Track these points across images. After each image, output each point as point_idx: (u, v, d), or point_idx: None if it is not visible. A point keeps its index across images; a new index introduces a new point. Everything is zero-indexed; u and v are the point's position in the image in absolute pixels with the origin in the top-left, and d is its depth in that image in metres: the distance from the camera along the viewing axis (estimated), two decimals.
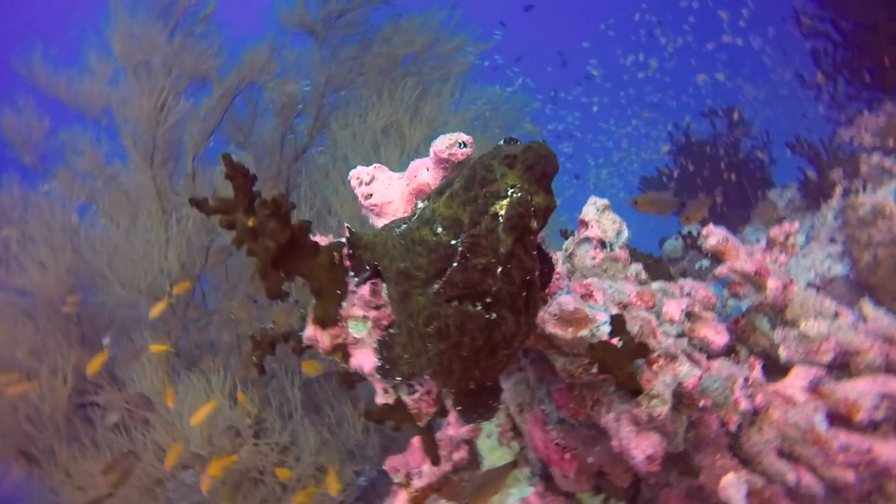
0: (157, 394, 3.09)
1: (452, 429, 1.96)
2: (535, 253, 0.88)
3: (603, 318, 1.02)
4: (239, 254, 3.67)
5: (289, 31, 3.48)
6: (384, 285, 1.03)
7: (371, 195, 1.29)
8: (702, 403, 1.49)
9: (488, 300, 0.83)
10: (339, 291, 1.03)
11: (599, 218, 1.97)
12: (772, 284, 2.13)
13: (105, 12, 3.18)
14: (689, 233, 4.23)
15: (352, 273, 1.03)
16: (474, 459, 1.97)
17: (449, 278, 0.84)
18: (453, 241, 0.86)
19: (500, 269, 0.84)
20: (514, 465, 1.88)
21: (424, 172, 1.29)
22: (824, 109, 4.66)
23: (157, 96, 3.32)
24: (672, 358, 1.38)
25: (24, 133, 3.22)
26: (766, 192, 4.96)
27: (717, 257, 2.33)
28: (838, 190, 4.28)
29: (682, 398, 1.45)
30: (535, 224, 0.88)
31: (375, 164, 1.44)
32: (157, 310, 2.92)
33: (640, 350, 0.85)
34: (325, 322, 1.04)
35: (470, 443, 1.96)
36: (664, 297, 1.84)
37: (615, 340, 0.90)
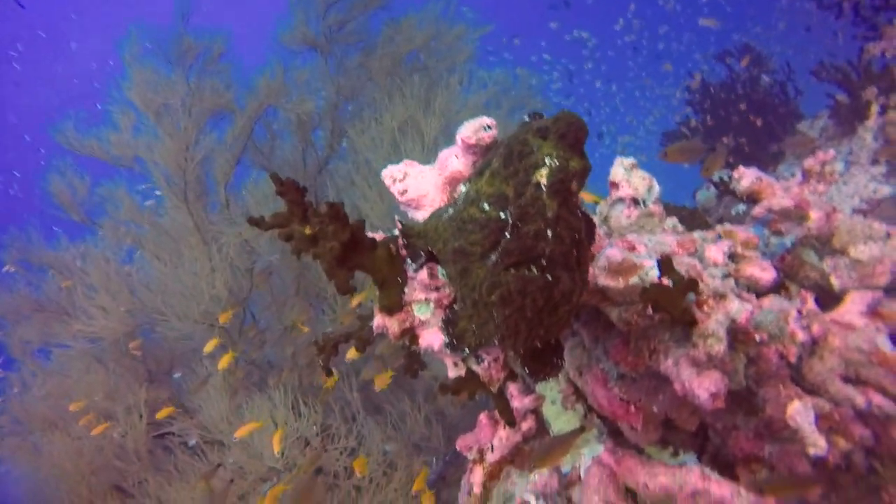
0: (225, 418, 3.24)
1: (517, 401, 2.02)
2: (578, 213, 0.94)
3: (650, 263, 1.07)
4: (282, 272, 3.80)
5: (295, 52, 3.58)
6: (440, 268, 1.10)
7: (406, 191, 1.36)
8: (758, 338, 1.52)
9: (543, 262, 0.90)
10: (399, 279, 1.10)
11: (629, 177, 2.00)
12: (814, 215, 2.10)
13: (122, 70, 3.35)
14: (721, 179, 4.17)
15: (409, 261, 1.11)
16: (542, 428, 2.03)
17: (504, 248, 0.90)
18: (502, 215, 0.93)
19: (549, 233, 0.90)
20: (581, 429, 1.93)
21: (454, 160, 1.35)
22: (848, 26, 4.47)
23: (181, 137, 3.47)
24: (721, 297, 1.42)
25: (70, 194, 3.42)
26: (795, 126, 4.83)
27: (752, 198, 2.31)
28: (874, 108, 4.13)
29: (736, 335, 1.49)
30: (574, 186, 0.93)
31: (405, 161, 1.51)
32: (210, 346, 3.06)
33: (690, 285, 0.90)
34: (391, 309, 1.11)
35: (536, 412, 2.03)
36: (705, 244, 1.86)
37: (665, 280, 0.95)
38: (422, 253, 1.10)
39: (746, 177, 2.24)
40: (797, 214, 2.12)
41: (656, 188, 2.08)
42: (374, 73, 3.59)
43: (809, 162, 3.39)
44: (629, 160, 2.08)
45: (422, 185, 1.39)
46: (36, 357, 3.68)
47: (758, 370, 1.65)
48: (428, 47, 3.63)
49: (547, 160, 0.92)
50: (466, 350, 1.07)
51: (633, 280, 0.95)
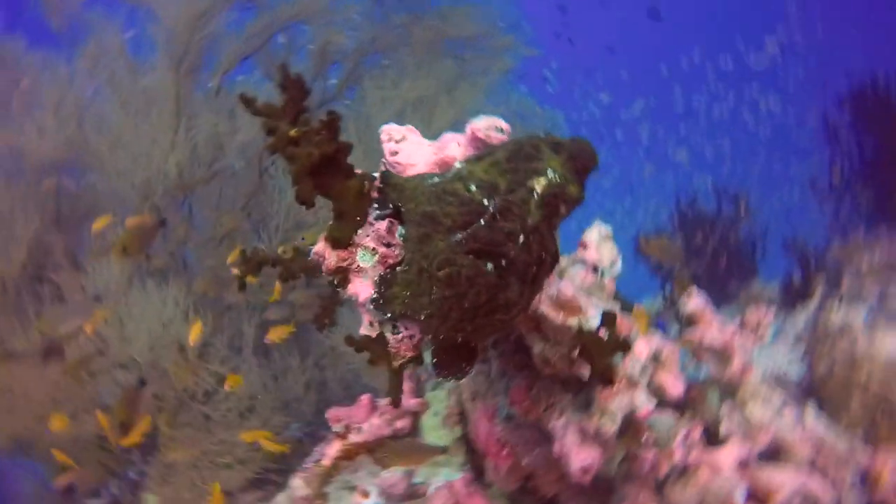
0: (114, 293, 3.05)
1: (403, 398, 2.00)
2: (554, 237, 0.94)
3: (594, 313, 1.07)
4: (237, 182, 3.65)
5: None
6: (400, 228, 1.07)
7: (397, 153, 1.33)
8: (645, 437, 1.55)
9: (503, 263, 0.88)
10: (358, 218, 1.06)
11: (599, 244, 2.03)
12: (735, 363, 2.24)
13: None
14: (671, 294, 4.32)
15: (375, 206, 1.07)
16: (415, 433, 2.01)
17: (473, 232, 0.88)
18: (486, 202, 0.91)
19: (522, 238, 0.89)
20: (444, 449, 1.92)
21: (454, 146, 1.34)
22: (828, 218, 4.77)
23: (200, 2, 3.29)
24: (633, 384, 1.45)
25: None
26: (750, 282, 5.10)
27: (690, 321, 2.43)
28: (816, 299, 4.41)
29: (629, 426, 1.52)
30: (563, 209, 0.93)
31: (408, 126, 1.48)
32: (133, 220, 2.78)
33: (623, 345, 0.90)
34: (338, 242, 1.07)
35: (416, 416, 2.01)
36: (637, 336, 1.91)
37: (602, 332, 0.95)
38: (390, 205, 1.07)
39: (694, 301, 2.36)
40: (721, 355, 2.23)
41: (618, 267, 2.12)
42: (415, 40, 3.53)
43: (751, 314, 3.56)
44: (606, 229, 2.11)
45: (414, 155, 1.36)
46: None
47: (629, 468, 1.69)
48: (473, 40, 3.61)
49: (550, 172, 0.92)
50: (389, 314, 1.04)
51: (572, 321, 0.95)
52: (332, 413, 2.00)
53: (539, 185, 0.91)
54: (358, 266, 1.08)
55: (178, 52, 3.28)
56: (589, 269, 2.08)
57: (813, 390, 3.12)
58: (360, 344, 1.08)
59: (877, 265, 4.22)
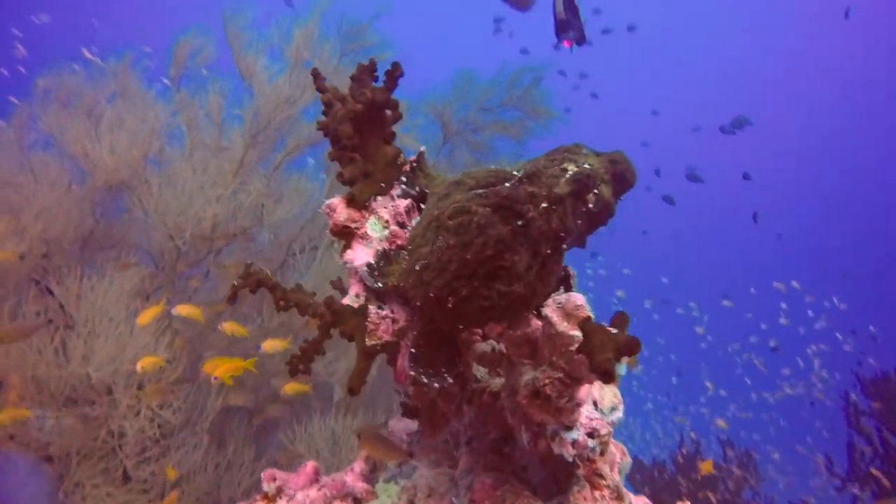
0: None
1: (351, 476, 1.74)
2: (576, 224, 0.88)
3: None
4: (261, 254, 3.70)
5: (423, 114, 3.88)
6: (417, 218, 1.05)
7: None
8: None
9: (519, 223, 0.83)
10: (383, 185, 1.05)
11: (602, 387, 1.90)
12: None
13: None
14: None
15: (403, 182, 1.06)
16: None
17: (496, 188, 0.85)
18: (515, 172, 0.89)
19: (544, 205, 0.85)
20: None
21: None
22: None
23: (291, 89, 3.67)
24: (619, 497, 1.23)
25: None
26: None
27: None
28: None
29: None
30: (592, 202, 0.89)
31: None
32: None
33: (631, 346, 0.78)
34: (353, 201, 1.04)
35: (358, 502, 1.72)
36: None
37: (610, 329, 0.83)
38: (417, 189, 1.05)
39: None
40: None
41: (619, 414, 1.95)
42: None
43: None
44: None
45: None
46: None
47: None
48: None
49: (587, 165, 0.90)
50: (379, 284, 0.96)
51: (576, 332, 0.85)
52: (268, 472, 1.73)
53: (572, 168, 0.89)
54: (365, 232, 1.04)
55: (258, 126, 3.60)
56: (589, 405, 1.93)
57: None
58: (341, 310, 0.98)
59: None
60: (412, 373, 0.95)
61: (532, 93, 3.99)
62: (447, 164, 3.87)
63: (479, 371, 1.54)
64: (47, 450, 2.68)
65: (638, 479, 5.30)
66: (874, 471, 4.26)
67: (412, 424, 2.17)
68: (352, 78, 1.09)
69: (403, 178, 1.06)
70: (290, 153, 3.69)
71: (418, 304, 0.88)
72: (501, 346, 1.28)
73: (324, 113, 1.12)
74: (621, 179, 0.94)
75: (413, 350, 0.95)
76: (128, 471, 2.76)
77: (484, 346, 1.33)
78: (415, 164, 1.07)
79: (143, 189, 3.28)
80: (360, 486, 1.72)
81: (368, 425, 1.49)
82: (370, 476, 1.81)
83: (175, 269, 3.43)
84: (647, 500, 1.71)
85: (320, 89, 1.13)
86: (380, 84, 1.04)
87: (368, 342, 0.96)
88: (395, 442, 1.49)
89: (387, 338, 0.97)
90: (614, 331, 0.79)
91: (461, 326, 0.93)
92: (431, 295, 0.85)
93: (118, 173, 3.29)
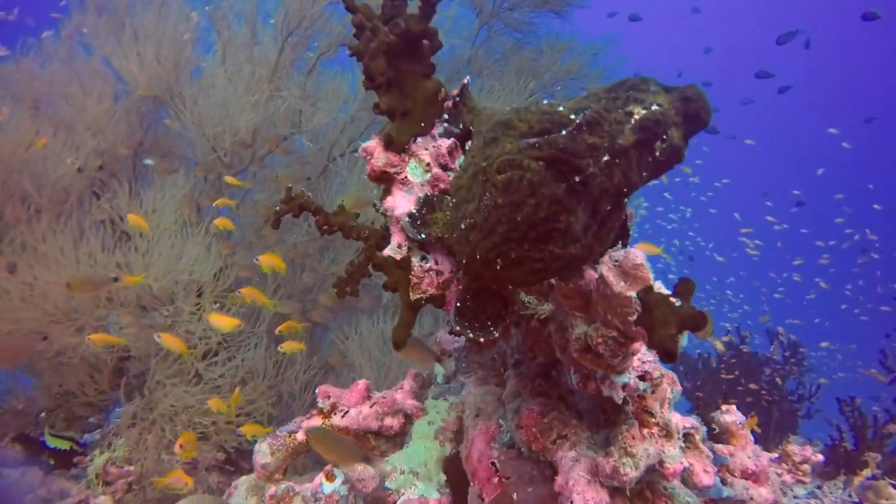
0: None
1: (401, 394, 1.81)
2: (640, 177, 0.79)
3: (664, 289, 0.89)
4: (302, 161, 3.66)
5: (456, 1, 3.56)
6: (462, 156, 0.95)
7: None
8: None
9: (576, 180, 0.74)
10: (423, 124, 0.95)
11: None
12: (764, 493, 1.98)
13: None
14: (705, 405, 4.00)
15: (445, 120, 0.96)
16: (402, 435, 1.81)
17: (552, 138, 0.75)
18: (573, 116, 0.78)
19: (606, 158, 0.75)
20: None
21: None
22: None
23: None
24: (668, 435, 1.23)
25: None
26: (789, 435, 4.70)
27: (722, 437, 2.19)
28: (866, 472, 4.00)
29: (650, 483, 1.28)
30: (660, 150, 0.79)
31: None
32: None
33: (696, 320, 0.72)
34: (392, 143, 0.96)
35: (408, 419, 1.80)
36: (674, 409, 1.68)
37: (673, 300, 0.77)
38: (461, 125, 0.95)
39: (732, 414, 2.15)
40: (749, 480, 1.98)
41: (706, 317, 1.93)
42: (509, 68, 3.53)
43: (794, 448, 3.19)
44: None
45: None
46: None
47: None
48: (566, 78, 3.58)
49: (655, 106, 0.78)
50: (423, 235, 0.90)
51: (634, 293, 0.78)
52: (322, 388, 1.82)
53: (638, 112, 0.78)
54: (405, 177, 0.96)
55: (290, 25, 3.40)
56: None
57: None
58: (383, 261, 0.94)
59: None
60: (457, 328, 0.92)
61: None
62: (485, 55, 3.60)
63: (526, 296, 1.51)
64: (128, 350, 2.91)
65: (681, 370, 5.39)
66: None
67: (460, 339, 2.21)
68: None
69: (445, 116, 0.96)
70: (323, 53, 3.50)
71: (464, 261, 0.83)
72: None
73: (355, 36, 1.01)
74: (695, 119, 0.81)
75: (458, 304, 0.91)
76: (199, 372, 2.97)
77: None
78: (457, 99, 0.96)
79: (179, 102, 3.22)
80: (409, 404, 1.78)
81: (413, 337, 1.52)
82: (419, 393, 1.88)
83: (220, 178, 3.44)
84: (694, 422, 1.72)
85: (349, 8, 1.01)
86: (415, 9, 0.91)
87: (413, 296, 0.92)
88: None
89: (431, 291, 0.93)
90: (677, 303, 0.72)
91: (510, 286, 0.87)
92: (478, 256, 0.79)
93: (150, 85, 3.22)
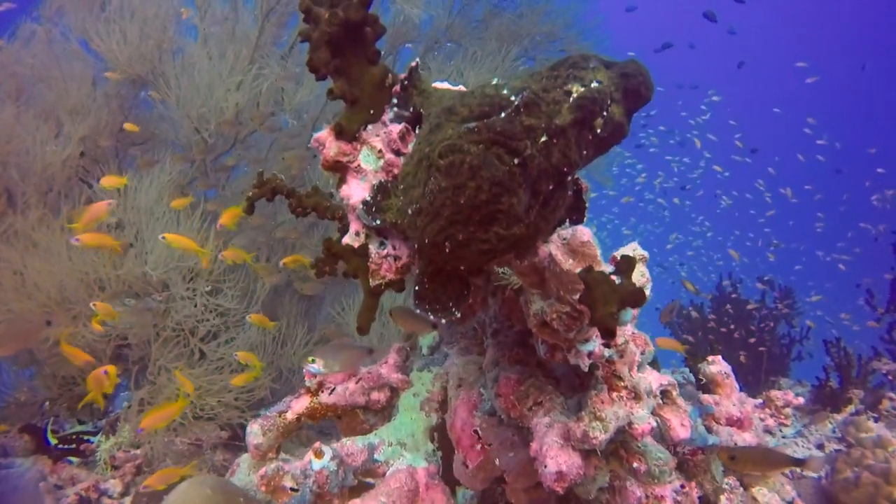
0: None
1: (386, 369, 1.86)
2: (580, 156, 0.80)
3: (608, 268, 0.91)
4: (286, 139, 3.63)
5: None
6: (414, 142, 0.96)
7: None
8: (635, 464, 1.36)
9: (515, 163, 0.75)
10: (372, 112, 0.96)
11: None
12: (748, 437, 2.05)
13: None
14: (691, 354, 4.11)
15: (394, 105, 0.96)
16: (390, 408, 1.86)
17: (490, 122, 0.76)
18: (513, 98, 0.79)
19: (543, 139, 0.76)
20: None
21: None
22: (880, 334, 4.51)
23: None
24: (636, 397, 1.27)
25: None
26: (779, 379, 4.80)
27: (708, 386, 2.25)
28: (850, 409, 4.13)
29: (624, 443, 1.33)
30: (600, 127, 0.80)
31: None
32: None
33: (636, 297, 0.74)
34: (343, 132, 0.97)
35: (394, 392, 1.86)
36: (647, 364, 1.72)
37: (614, 278, 0.80)
38: (411, 109, 0.96)
39: (717, 365, 2.21)
40: (734, 426, 2.05)
41: (646, 293, 1.95)
42: (489, 34, 3.48)
43: (776, 393, 3.27)
44: (642, 253, 1.95)
45: None
46: None
47: (611, 500, 1.48)
48: (546, 43, 3.53)
49: (594, 83, 0.79)
50: (377, 222, 0.92)
51: (580, 272, 0.80)
52: (309, 367, 1.86)
53: (577, 90, 0.78)
54: (358, 165, 0.97)
55: (269, 2, 3.34)
56: None
57: (831, 494, 2.85)
58: (340, 250, 0.96)
59: None
60: (419, 310, 0.94)
61: None
62: (464, 23, 3.54)
63: (499, 267, 1.53)
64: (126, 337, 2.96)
65: (675, 321, 5.44)
66: None
67: None
68: None
69: (395, 100, 0.96)
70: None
71: (416, 245, 0.85)
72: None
73: (304, 21, 1.00)
74: (635, 95, 0.81)
75: (417, 288, 0.93)
76: (203, 352, 3.02)
77: None
78: (406, 83, 0.96)
79: (162, 82, 3.19)
80: (394, 377, 1.83)
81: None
82: (404, 366, 1.93)
83: (206, 161, 3.43)
84: (672, 379, 1.76)
85: None
86: None
87: (372, 282, 0.95)
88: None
89: (390, 276, 0.95)
90: (618, 280, 0.74)
91: (462, 268, 0.90)
92: (427, 241, 0.81)
93: (132, 64, 3.18)
